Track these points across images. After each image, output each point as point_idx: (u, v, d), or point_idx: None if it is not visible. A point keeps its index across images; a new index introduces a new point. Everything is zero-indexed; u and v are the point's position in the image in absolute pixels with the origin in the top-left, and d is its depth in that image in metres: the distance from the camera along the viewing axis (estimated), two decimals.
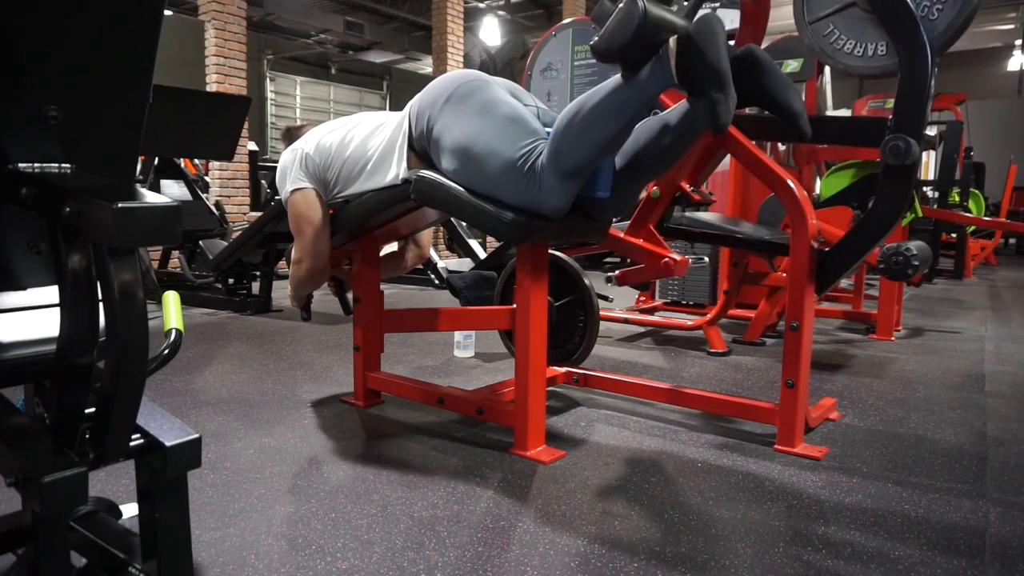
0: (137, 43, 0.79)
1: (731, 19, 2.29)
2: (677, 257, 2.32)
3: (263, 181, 7.90)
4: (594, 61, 2.90)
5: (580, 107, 1.62)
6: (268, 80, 14.13)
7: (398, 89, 16.07)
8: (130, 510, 1.31)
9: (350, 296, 2.41)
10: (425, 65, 13.99)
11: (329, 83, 15.36)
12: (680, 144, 1.74)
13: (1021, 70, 9.07)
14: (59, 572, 0.83)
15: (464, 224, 5.86)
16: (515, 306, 1.93)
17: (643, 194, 2.41)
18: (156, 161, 5.03)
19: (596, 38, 1.52)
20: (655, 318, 3.97)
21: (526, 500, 1.64)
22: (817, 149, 3.77)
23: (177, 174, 5.17)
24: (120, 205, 0.61)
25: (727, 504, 1.63)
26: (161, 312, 1.03)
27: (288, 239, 2.58)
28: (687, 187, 2.43)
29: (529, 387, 1.90)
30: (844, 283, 4.87)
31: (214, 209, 5.16)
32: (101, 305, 0.73)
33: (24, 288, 0.93)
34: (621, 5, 1.48)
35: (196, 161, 6.78)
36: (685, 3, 2.05)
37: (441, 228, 7.02)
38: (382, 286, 2.35)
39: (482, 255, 5.60)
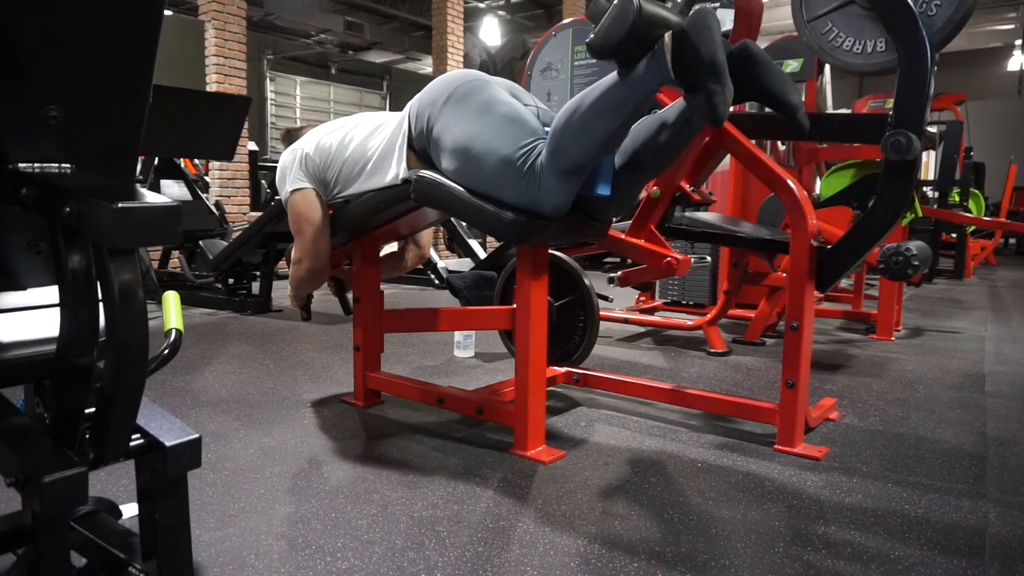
0: (137, 43, 0.79)
1: (729, 20, 2.29)
2: (679, 256, 2.32)
3: (263, 181, 7.89)
4: (594, 61, 2.91)
5: (578, 105, 1.62)
6: (268, 80, 14.13)
7: (398, 89, 16.07)
8: (130, 510, 1.31)
9: (350, 296, 2.41)
10: (425, 65, 13.99)
11: (329, 83, 15.36)
12: (679, 140, 1.74)
13: (1021, 70, 9.07)
14: (59, 572, 0.83)
15: (464, 224, 5.86)
16: (515, 306, 1.93)
17: (643, 194, 2.42)
18: (156, 161, 5.03)
19: (591, 35, 1.52)
20: (655, 318, 3.97)
21: (526, 500, 1.64)
22: (817, 149, 3.78)
23: (177, 174, 5.17)
24: (120, 205, 0.61)
25: (727, 504, 1.63)
26: (161, 312, 1.02)
27: (288, 239, 2.58)
28: (687, 187, 2.43)
29: (529, 387, 1.90)
30: (844, 283, 4.87)
31: (214, 209, 5.16)
32: (101, 305, 0.73)
33: (24, 288, 0.93)
34: (616, 2, 1.48)
35: (196, 161, 6.78)
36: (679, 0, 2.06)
37: (441, 228, 7.02)
38: (382, 286, 2.35)
39: (482, 255, 5.60)
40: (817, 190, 4.22)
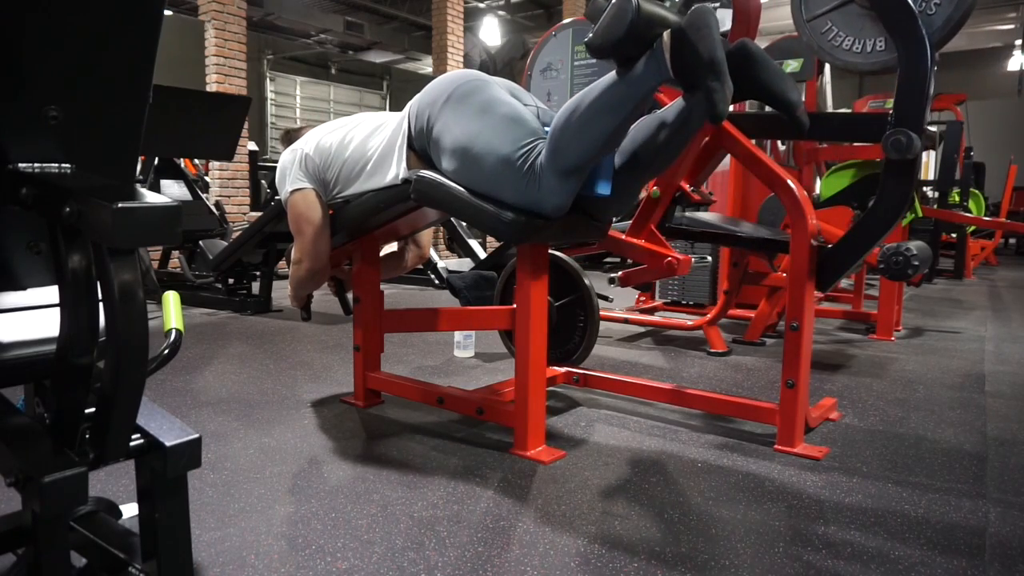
0: (137, 43, 0.79)
1: (728, 20, 2.29)
2: (680, 256, 2.32)
3: (263, 181, 7.89)
4: (594, 61, 2.90)
5: (577, 104, 1.62)
6: (268, 80, 14.13)
7: (398, 89, 16.07)
8: (130, 510, 1.31)
9: (350, 296, 2.41)
10: (425, 65, 13.98)
11: (329, 83, 15.36)
12: (678, 139, 1.74)
13: (1021, 70, 9.07)
14: (59, 572, 0.83)
15: (464, 224, 5.86)
16: (515, 306, 1.93)
17: (643, 194, 2.41)
18: (156, 161, 5.03)
19: (590, 35, 1.52)
20: (655, 318, 3.97)
21: (526, 500, 1.64)
22: (817, 149, 3.78)
23: (177, 174, 5.17)
24: (120, 205, 0.61)
25: (727, 504, 1.63)
26: (161, 312, 1.02)
27: (288, 239, 2.58)
28: (687, 187, 2.43)
29: (529, 387, 1.90)
30: (844, 283, 4.87)
31: (214, 209, 5.16)
32: (101, 305, 0.73)
33: (24, 288, 0.93)
34: (614, 1, 1.48)
35: (196, 161, 6.78)
36: None
37: (441, 228, 7.02)
38: (382, 286, 2.35)
39: (482, 255, 5.60)
40: (817, 190, 4.22)
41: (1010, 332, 4.05)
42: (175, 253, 5.54)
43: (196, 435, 0.85)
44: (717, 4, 2.42)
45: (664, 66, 1.50)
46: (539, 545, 1.42)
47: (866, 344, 3.66)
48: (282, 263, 4.28)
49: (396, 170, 1.94)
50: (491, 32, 11.85)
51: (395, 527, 1.49)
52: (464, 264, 5.80)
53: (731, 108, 1.52)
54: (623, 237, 2.43)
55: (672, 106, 1.73)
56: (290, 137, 2.30)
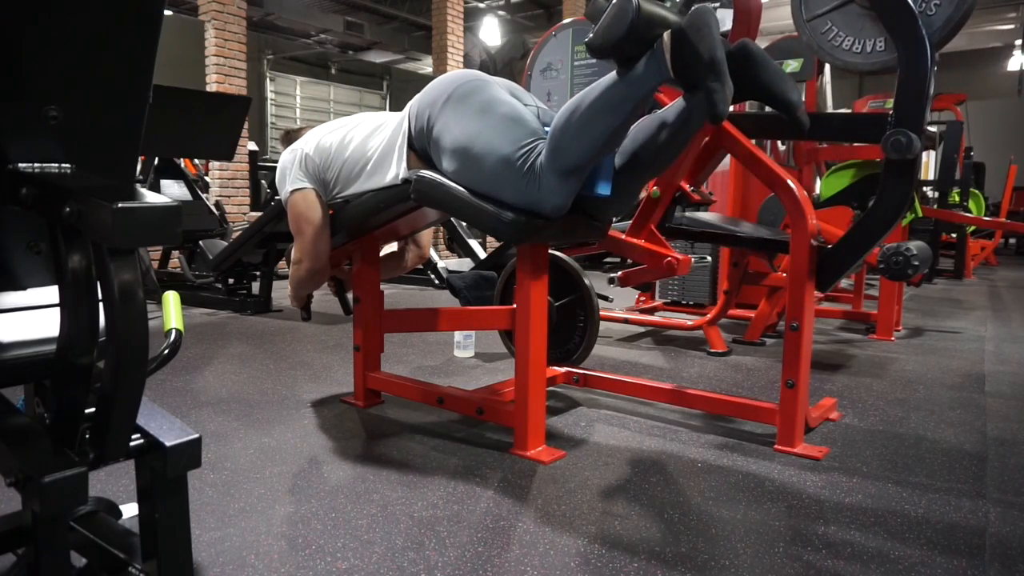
0: (137, 43, 0.79)
1: (728, 20, 2.29)
2: (679, 256, 2.32)
3: (263, 181, 7.90)
4: (594, 61, 2.90)
5: (577, 104, 1.62)
6: (268, 80, 14.13)
7: (398, 89, 16.07)
8: (130, 510, 1.31)
9: (350, 296, 2.41)
10: (425, 65, 13.98)
11: (329, 83, 15.36)
12: (678, 139, 1.74)
13: (1021, 70, 9.07)
14: (59, 572, 0.83)
15: (464, 224, 5.86)
16: (515, 306, 1.93)
17: (643, 194, 2.41)
18: (156, 161, 5.03)
19: (591, 35, 1.52)
20: (655, 318, 3.97)
21: (526, 500, 1.64)
22: (817, 149, 3.78)
23: (177, 174, 5.16)
24: (120, 205, 0.61)
25: (727, 504, 1.63)
26: (161, 312, 1.02)
27: (288, 239, 2.58)
28: (687, 187, 2.43)
29: (529, 387, 1.90)
30: (844, 283, 4.87)
31: (214, 209, 5.16)
32: (101, 305, 0.73)
33: (24, 288, 0.93)
34: (615, 2, 1.48)
35: (196, 161, 6.78)
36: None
37: (441, 228, 7.02)
38: (382, 286, 2.35)
39: (482, 255, 5.60)
40: (817, 190, 4.22)
41: (1010, 332, 4.05)
42: (175, 253, 5.54)
43: (196, 435, 0.85)
44: (717, 4, 2.42)
45: (664, 66, 1.50)
46: (539, 545, 1.42)
47: (866, 344, 3.66)
48: (282, 263, 4.29)
49: (396, 170, 1.94)
50: (491, 32, 11.85)
51: (395, 527, 1.49)
52: (464, 264, 5.80)
53: (731, 108, 1.52)
54: (623, 237, 2.43)
55: (672, 106, 1.73)
56: (290, 137, 2.31)
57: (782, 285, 3.41)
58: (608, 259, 7.38)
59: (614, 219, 2.11)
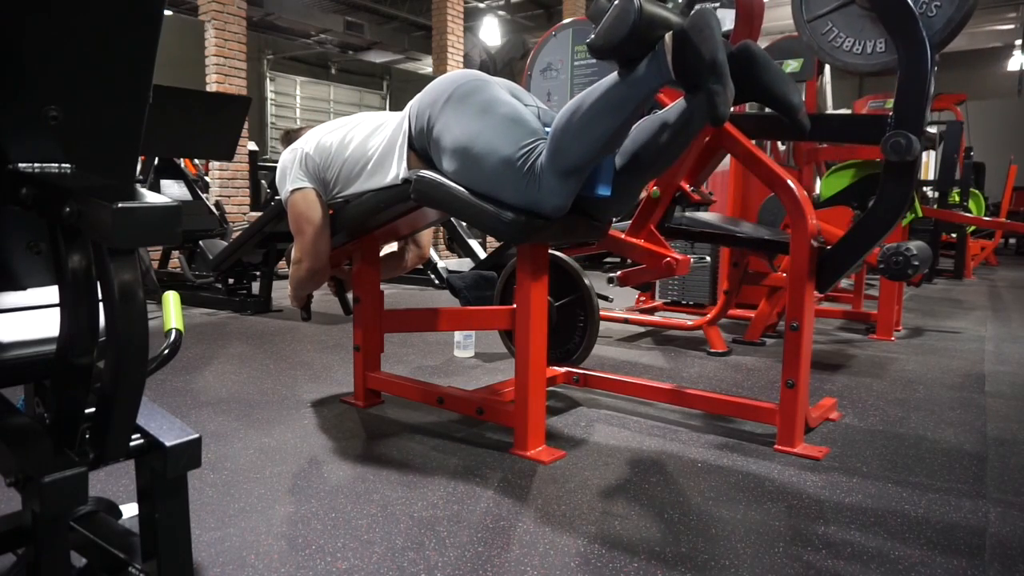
0: (137, 43, 0.79)
1: (730, 20, 2.29)
2: (679, 256, 2.32)
3: (263, 181, 7.90)
4: (594, 61, 2.91)
5: (578, 105, 1.62)
6: (268, 80, 14.13)
7: (398, 89, 16.07)
8: (130, 510, 1.31)
9: (350, 296, 2.41)
10: (425, 65, 13.98)
11: (329, 83, 15.36)
12: (679, 141, 1.74)
13: (1021, 70, 9.08)
14: (59, 572, 0.83)
15: (464, 224, 5.86)
16: (515, 306, 1.93)
17: (643, 194, 2.41)
18: (156, 161, 5.03)
19: (592, 35, 1.52)
20: (655, 318, 3.97)
21: (526, 500, 1.64)
22: (817, 149, 3.78)
23: (177, 174, 5.16)
24: (120, 205, 0.61)
25: (727, 504, 1.63)
26: (161, 312, 1.02)
27: (288, 239, 2.58)
28: (687, 187, 2.43)
29: (529, 387, 1.90)
30: (844, 283, 4.87)
31: (214, 209, 5.16)
32: (101, 305, 0.73)
33: (24, 288, 0.93)
34: (616, 2, 1.48)
35: (196, 161, 6.78)
36: (680, 0, 2.06)
37: (441, 228, 7.02)
38: (382, 286, 2.35)
39: (482, 255, 5.60)
40: (817, 190, 4.22)
41: (1010, 332, 4.05)
42: (175, 253, 5.54)
43: (196, 435, 0.85)
44: (718, 4, 2.42)
45: (666, 67, 1.50)
46: (539, 545, 1.42)
47: (866, 344, 3.66)
48: (282, 263, 4.28)
49: (396, 170, 1.94)
50: (491, 32, 11.85)
51: (395, 527, 1.49)
52: (464, 264, 5.81)
53: (732, 109, 1.52)
54: (623, 237, 2.43)
55: (673, 107, 1.73)
56: (290, 137, 2.31)
57: (782, 285, 3.41)
58: (608, 259, 7.39)
59: (614, 219, 2.11)
